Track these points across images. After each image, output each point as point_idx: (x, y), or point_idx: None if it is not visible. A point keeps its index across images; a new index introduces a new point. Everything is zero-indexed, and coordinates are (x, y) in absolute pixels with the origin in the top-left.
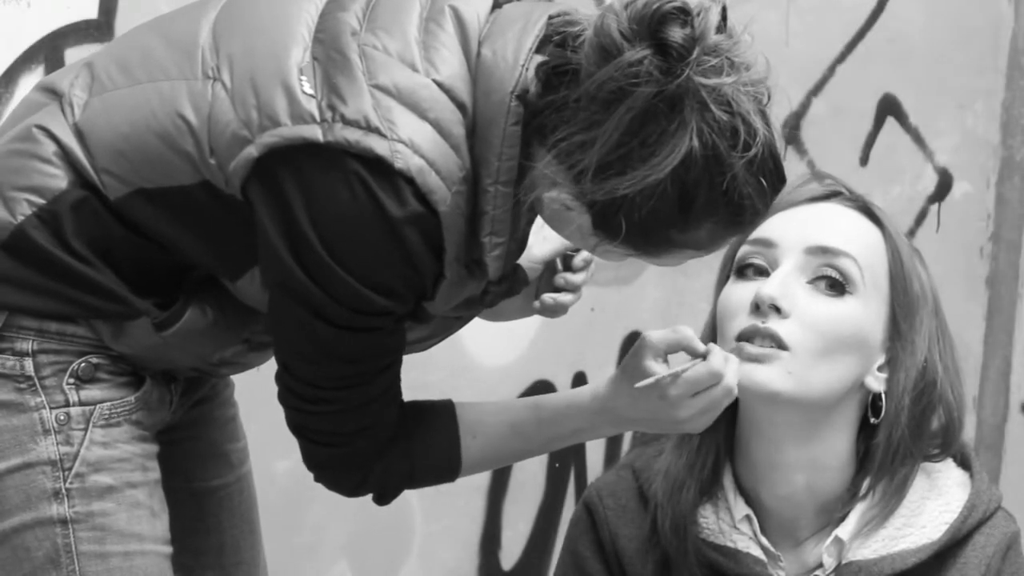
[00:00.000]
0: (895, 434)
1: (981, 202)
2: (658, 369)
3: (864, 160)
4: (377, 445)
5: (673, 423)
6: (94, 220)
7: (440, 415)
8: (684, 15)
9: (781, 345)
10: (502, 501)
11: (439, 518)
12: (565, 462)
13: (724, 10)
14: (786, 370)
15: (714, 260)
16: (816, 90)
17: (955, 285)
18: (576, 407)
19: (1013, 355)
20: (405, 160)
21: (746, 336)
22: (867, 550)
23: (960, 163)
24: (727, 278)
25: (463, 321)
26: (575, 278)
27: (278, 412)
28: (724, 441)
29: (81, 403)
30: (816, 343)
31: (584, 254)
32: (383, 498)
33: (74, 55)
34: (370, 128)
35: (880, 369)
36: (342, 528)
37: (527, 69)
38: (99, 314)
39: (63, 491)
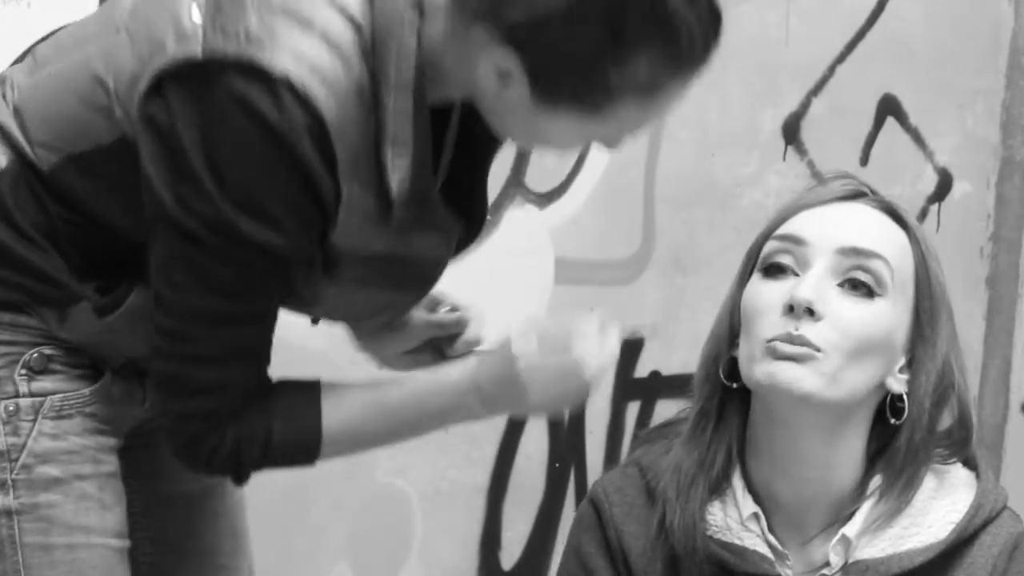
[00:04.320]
0: (915, 436)
1: (981, 202)
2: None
3: (864, 160)
4: (234, 406)
5: (522, 395)
6: (33, 197)
7: (303, 387)
8: None
9: (814, 347)
10: (502, 501)
11: (439, 518)
12: (565, 462)
13: None
14: (818, 371)
15: (715, 259)
16: (816, 90)
17: (955, 285)
18: (442, 382)
19: (1013, 355)
20: (284, 65)
21: (779, 340)
22: (874, 549)
23: (960, 163)
24: (749, 273)
25: (398, 301)
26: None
27: None
28: (736, 438)
29: (31, 394)
30: (847, 345)
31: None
32: (239, 474)
33: None
34: (249, 39)
35: (901, 371)
36: (342, 528)
37: None
38: (40, 299)
39: (9, 482)
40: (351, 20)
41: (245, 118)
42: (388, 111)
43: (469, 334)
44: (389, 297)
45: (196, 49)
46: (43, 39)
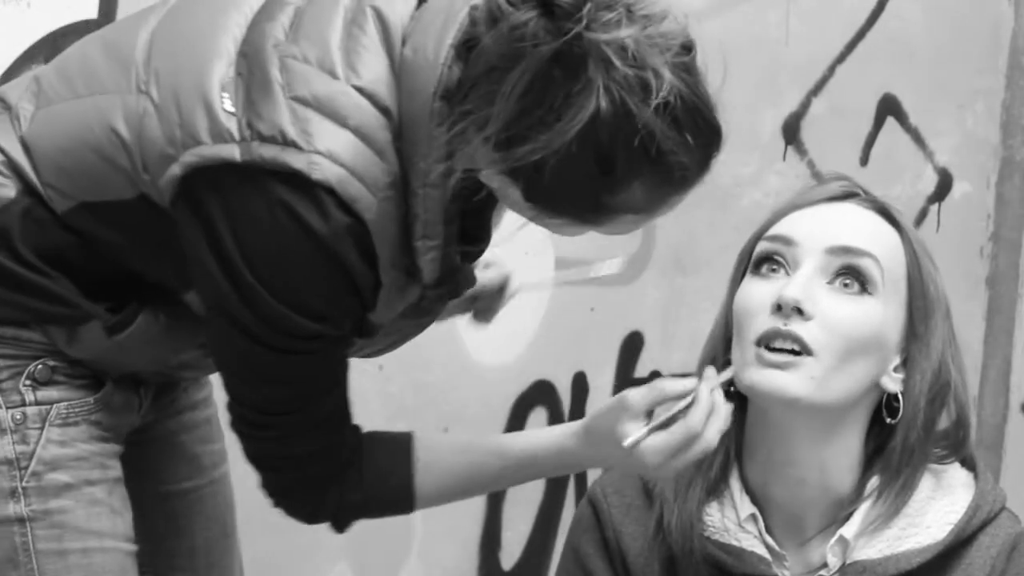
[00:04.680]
0: (911, 436)
1: (981, 202)
2: (638, 430)
3: (864, 160)
4: (329, 471)
5: (643, 470)
6: (43, 229)
7: (396, 448)
8: None
9: (804, 348)
10: (502, 501)
11: (439, 518)
12: None
13: None
14: (807, 375)
15: (715, 259)
16: (816, 90)
17: (955, 285)
18: (541, 458)
19: (1013, 355)
20: (323, 171)
21: (768, 338)
22: (872, 550)
23: (960, 163)
24: (743, 274)
25: (422, 326)
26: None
27: None
28: (733, 439)
29: (38, 403)
30: (837, 345)
31: (511, 288)
32: (339, 526)
33: None
34: (286, 143)
35: (896, 370)
36: None
37: (448, 67)
38: (50, 319)
39: (20, 490)
40: (381, 107)
41: (289, 222)
42: (419, 199)
43: (510, 287)
44: (412, 328)
45: (234, 153)
46: (44, 42)
